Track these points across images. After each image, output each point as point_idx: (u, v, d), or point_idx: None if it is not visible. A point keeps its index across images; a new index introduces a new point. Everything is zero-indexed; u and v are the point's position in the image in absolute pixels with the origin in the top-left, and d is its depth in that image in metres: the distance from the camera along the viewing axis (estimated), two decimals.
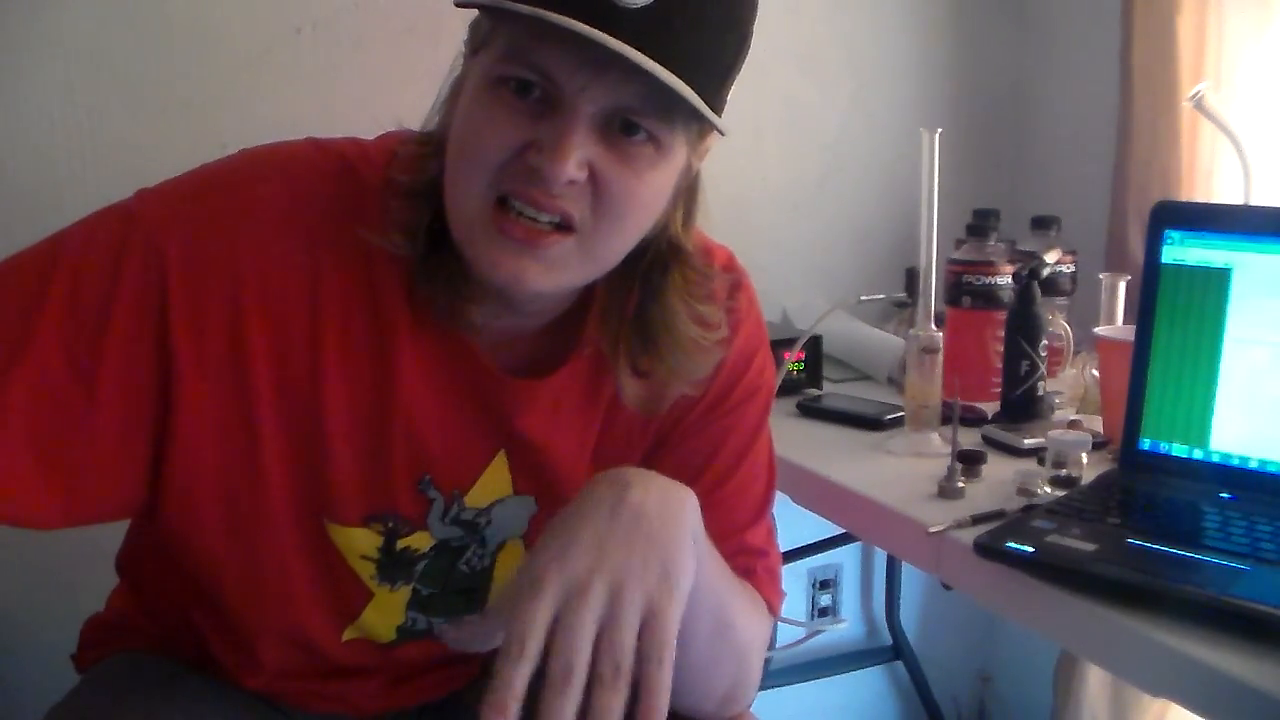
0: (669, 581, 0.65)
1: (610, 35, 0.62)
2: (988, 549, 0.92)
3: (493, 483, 0.82)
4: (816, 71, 1.77)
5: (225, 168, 0.76)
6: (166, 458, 0.72)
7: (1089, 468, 1.10)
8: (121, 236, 0.70)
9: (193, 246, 0.70)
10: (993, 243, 1.43)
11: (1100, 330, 1.27)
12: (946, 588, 1.09)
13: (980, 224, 1.44)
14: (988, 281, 1.39)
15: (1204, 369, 1.06)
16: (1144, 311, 1.10)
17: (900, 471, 1.17)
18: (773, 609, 0.89)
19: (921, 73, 1.84)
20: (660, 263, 0.78)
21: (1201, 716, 0.81)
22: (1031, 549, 0.90)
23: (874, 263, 1.80)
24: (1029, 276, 1.30)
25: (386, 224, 0.73)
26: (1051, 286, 1.47)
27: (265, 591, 0.80)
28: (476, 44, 0.71)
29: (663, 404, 0.82)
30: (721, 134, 0.72)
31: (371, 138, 0.79)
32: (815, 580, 1.92)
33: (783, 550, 0.93)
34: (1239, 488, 1.03)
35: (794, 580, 1.65)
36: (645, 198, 0.71)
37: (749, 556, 0.87)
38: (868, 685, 1.99)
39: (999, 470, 1.13)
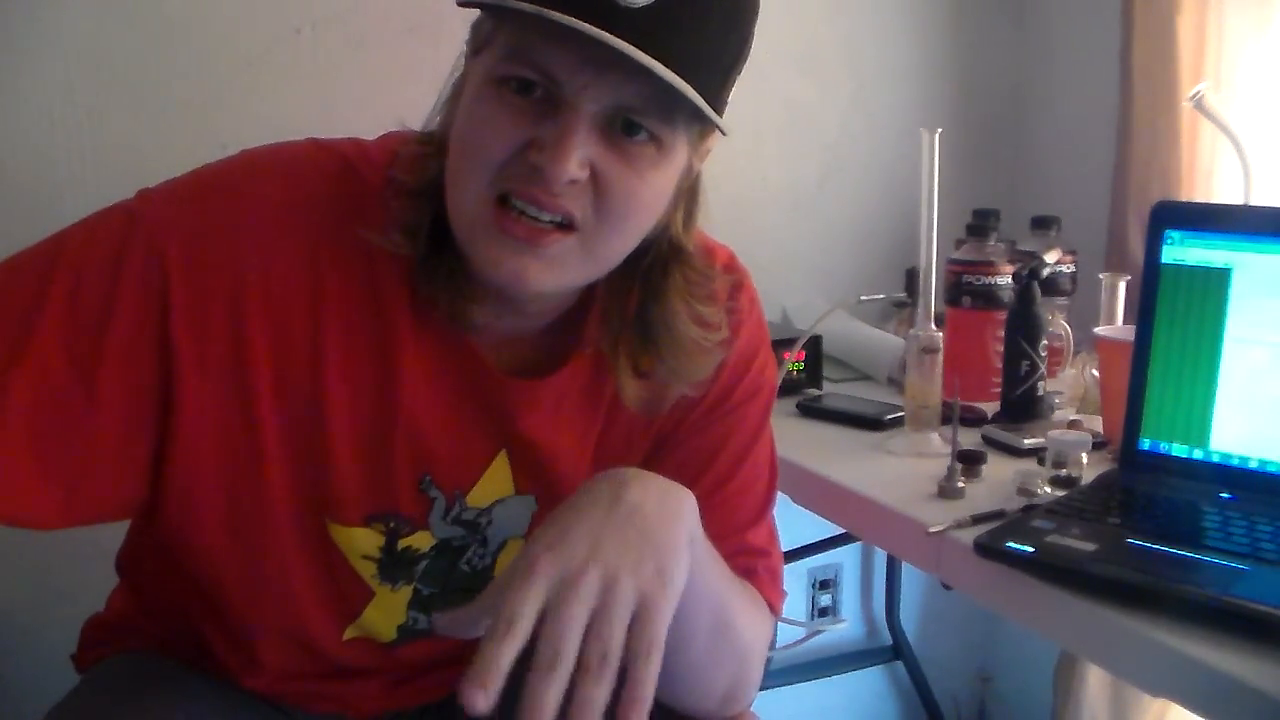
0: (662, 578, 0.65)
1: (612, 34, 0.62)
2: (988, 549, 0.92)
3: (494, 482, 0.82)
4: (817, 72, 1.77)
5: (226, 168, 0.76)
6: (167, 457, 0.72)
7: (1089, 468, 1.10)
8: (122, 236, 0.70)
9: (194, 246, 0.70)
10: (993, 243, 1.43)
11: (1100, 330, 1.27)
12: (946, 588, 1.09)
13: (980, 224, 1.44)
14: (988, 281, 1.39)
15: (1204, 369, 1.06)
16: (1144, 311, 1.10)
17: (900, 471, 1.17)
18: (774, 609, 0.89)
19: (921, 73, 1.84)
20: (661, 263, 0.78)
21: (1201, 716, 0.81)
22: (1031, 549, 0.90)
23: (874, 263, 1.80)
24: (1029, 276, 1.30)
25: (388, 224, 0.73)
26: (1051, 286, 1.47)
27: (266, 591, 0.80)
28: (478, 44, 0.71)
29: (663, 404, 0.82)
30: (723, 133, 0.72)
31: (372, 138, 0.79)
32: (815, 580, 1.91)
33: (783, 550, 0.93)
34: (1239, 488, 1.03)
35: (794, 580, 1.65)
36: (646, 197, 0.71)
37: (750, 556, 0.87)
38: (868, 685, 1.99)
39: (999, 470, 1.13)
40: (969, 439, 1.21)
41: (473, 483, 0.81)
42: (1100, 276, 1.43)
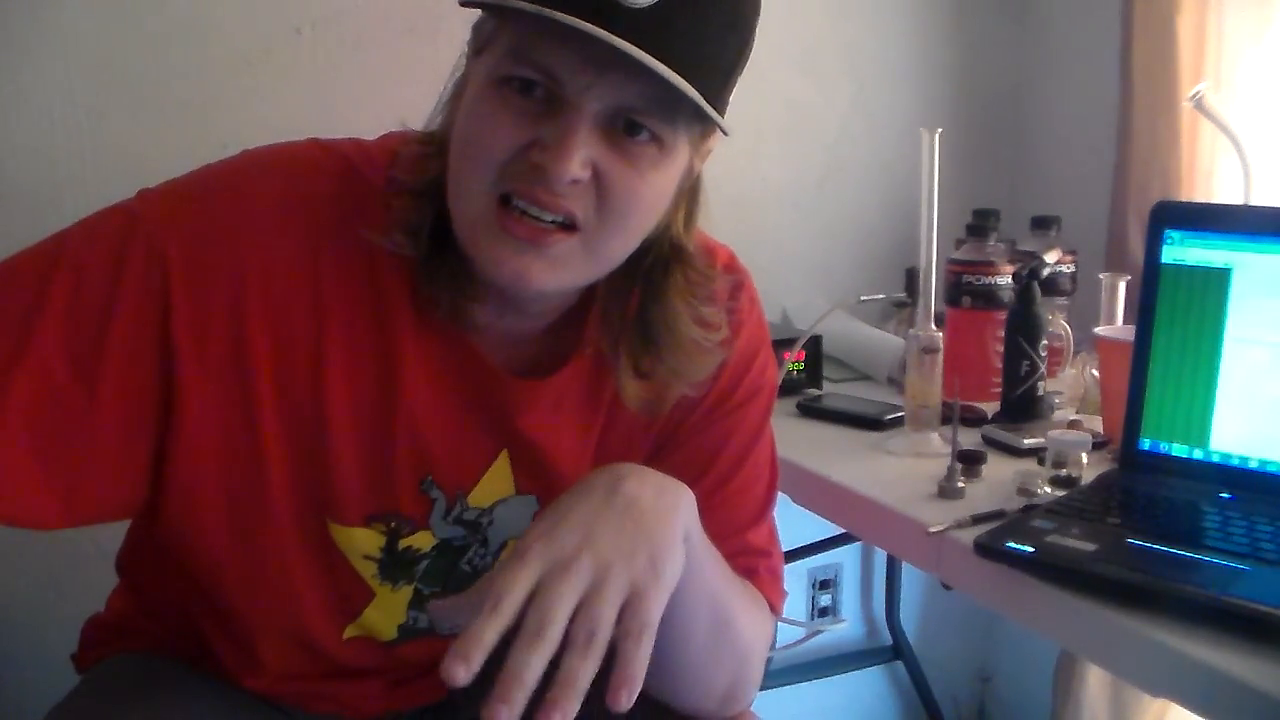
0: (655, 569, 0.65)
1: (615, 34, 0.62)
2: (988, 549, 0.92)
3: (495, 483, 0.82)
4: (817, 72, 1.77)
5: (227, 168, 0.76)
6: (168, 457, 0.72)
7: (1089, 468, 1.10)
8: (123, 237, 0.70)
9: (195, 247, 0.70)
10: (993, 243, 1.43)
11: (1100, 330, 1.27)
12: (946, 588, 1.09)
13: (980, 224, 1.44)
14: (988, 281, 1.39)
15: (1204, 369, 1.06)
16: (1144, 311, 1.10)
17: (900, 471, 1.18)
18: (775, 609, 0.89)
19: (922, 73, 1.84)
20: (662, 263, 0.78)
21: (1201, 716, 0.82)
22: (1031, 549, 0.90)
23: (874, 263, 1.80)
24: (1029, 276, 1.30)
25: (389, 224, 0.73)
26: (1051, 286, 1.47)
27: (266, 591, 0.80)
28: (480, 44, 0.71)
29: (664, 405, 0.82)
30: (725, 133, 0.72)
31: (373, 138, 0.79)
32: (815, 580, 1.91)
33: (783, 550, 0.93)
34: (1239, 488, 1.03)
35: (794, 580, 1.65)
36: (648, 198, 0.71)
37: (751, 556, 0.87)
38: (868, 685, 1.99)
39: (999, 470, 1.13)
40: (969, 439, 1.21)
41: (474, 483, 0.81)
42: (1100, 276, 1.43)
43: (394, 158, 0.75)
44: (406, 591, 0.84)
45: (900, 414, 1.30)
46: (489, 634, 0.59)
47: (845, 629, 1.94)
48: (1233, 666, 0.74)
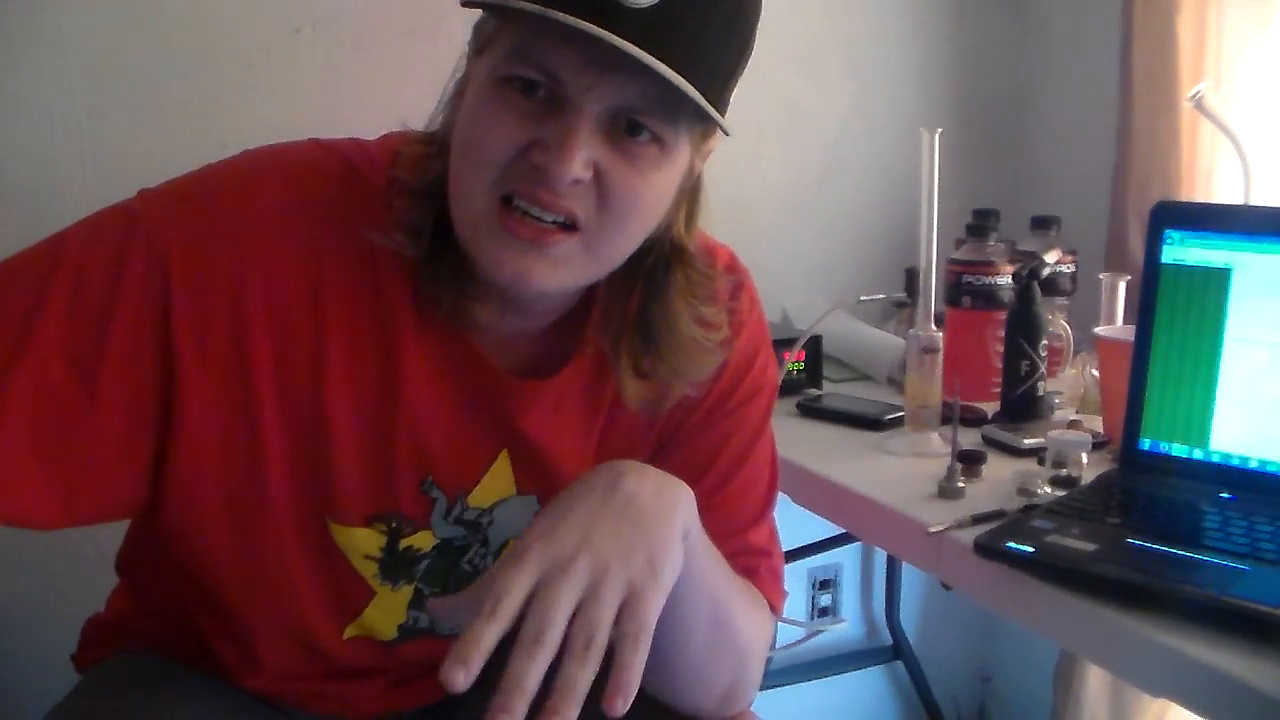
0: (653, 569, 0.65)
1: (616, 35, 0.62)
2: (988, 549, 0.92)
3: (495, 483, 0.82)
4: (817, 72, 1.77)
5: (228, 168, 0.76)
6: (168, 457, 0.72)
7: (1089, 468, 1.10)
8: (124, 237, 0.70)
9: (195, 247, 0.70)
10: (993, 243, 1.43)
11: (1100, 330, 1.27)
12: (946, 588, 1.09)
13: (980, 224, 1.44)
14: (988, 281, 1.39)
15: (1204, 369, 1.06)
16: (1144, 311, 1.10)
17: (900, 471, 1.18)
18: (775, 609, 0.89)
19: (922, 73, 1.84)
20: (663, 263, 0.78)
21: (1201, 716, 0.82)
22: (1031, 549, 0.90)
23: (874, 263, 1.80)
24: (1029, 276, 1.30)
25: (390, 224, 0.73)
26: (1051, 286, 1.47)
27: (267, 591, 0.80)
28: (481, 44, 0.71)
29: (665, 405, 0.82)
30: (726, 134, 0.72)
31: (373, 138, 0.79)
32: (815, 580, 1.91)
33: (783, 550, 0.93)
34: (1239, 488, 1.03)
35: (794, 580, 1.64)
36: (649, 198, 0.71)
37: (751, 556, 0.87)
38: (868, 685, 1.99)
39: (999, 470, 1.13)
40: (969, 439, 1.21)
41: (474, 483, 0.81)
42: (1100, 276, 1.43)
43: (395, 158, 0.75)
44: (407, 591, 0.84)
45: (900, 414, 1.30)
46: (487, 638, 0.59)
47: (845, 629, 1.94)
48: (1233, 666, 0.74)
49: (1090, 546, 0.89)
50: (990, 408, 1.33)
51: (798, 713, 1.88)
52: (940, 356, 1.22)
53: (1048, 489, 1.06)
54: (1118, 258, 1.60)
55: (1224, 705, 0.75)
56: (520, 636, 0.60)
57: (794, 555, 1.66)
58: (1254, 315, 1.05)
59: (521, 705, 0.58)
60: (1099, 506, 0.99)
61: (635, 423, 0.83)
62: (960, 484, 1.08)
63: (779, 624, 0.93)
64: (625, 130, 0.68)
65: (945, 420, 1.20)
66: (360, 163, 0.76)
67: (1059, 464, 1.10)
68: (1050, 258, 1.42)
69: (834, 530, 1.55)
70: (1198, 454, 1.07)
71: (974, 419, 1.29)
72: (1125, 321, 1.38)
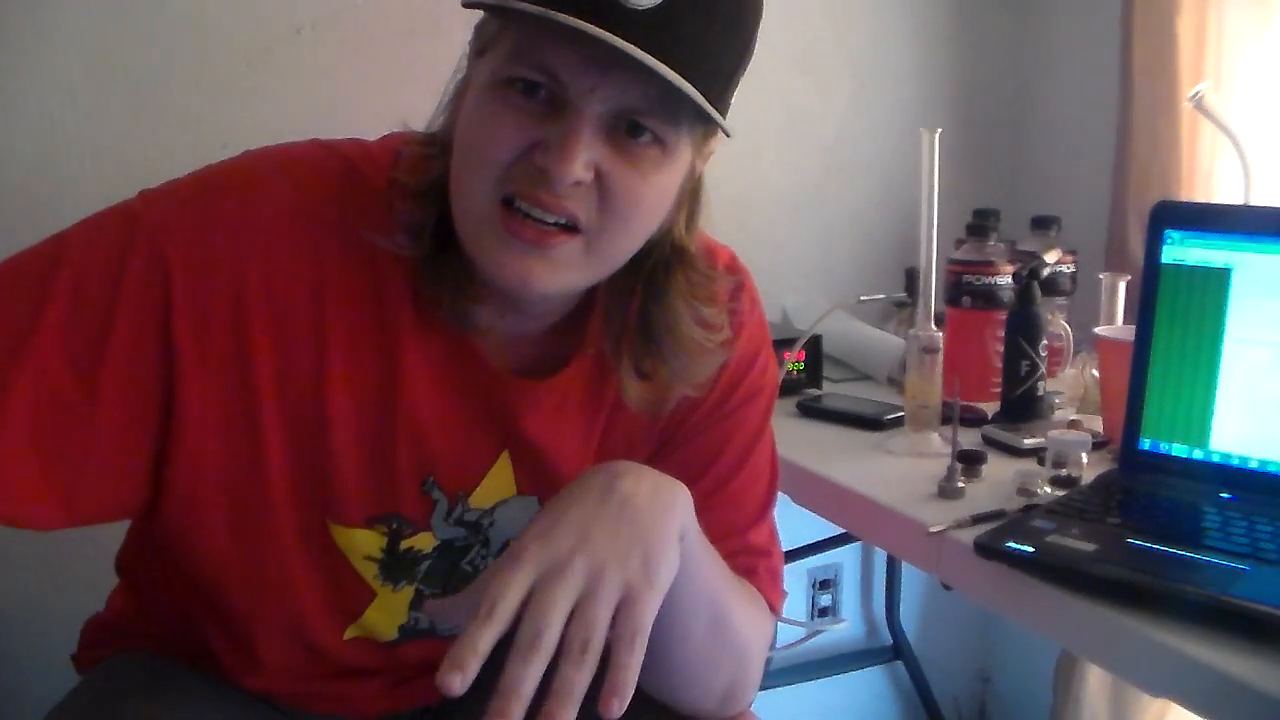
0: (649, 570, 0.65)
1: (618, 36, 0.62)
2: (988, 549, 0.92)
3: (496, 484, 0.82)
4: (817, 73, 1.77)
5: (229, 169, 0.76)
6: (169, 458, 0.72)
7: (1089, 468, 1.10)
8: (125, 237, 0.70)
9: (196, 247, 0.70)
10: (993, 243, 1.43)
11: (1100, 330, 1.27)
12: (946, 588, 1.09)
13: (980, 224, 1.44)
14: (988, 281, 1.39)
15: (1204, 369, 1.06)
16: (1144, 311, 1.10)
17: (900, 471, 1.18)
18: (774, 609, 0.89)
19: (922, 73, 1.85)
20: (664, 264, 0.78)
21: (1201, 716, 0.82)
22: (1031, 549, 0.90)
23: (874, 263, 1.80)
24: (1029, 276, 1.30)
25: (391, 225, 0.73)
26: (1051, 286, 1.47)
27: (267, 591, 0.80)
28: (482, 45, 0.71)
29: (665, 405, 0.82)
30: (727, 135, 0.72)
31: (374, 138, 0.79)
32: (815, 580, 1.92)
33: (783, 550, 0.93)
34: (1239, 488, 1.03)
35: (794, 580, 1.65)
36: (650, 199, 0.71)
37: (751, 556, 0.87)
38: (868, 685, 1.99)
39: (999, 470, 1.13)
40: (969, 439, 1.21)
41: (475, 484, 0.81)
42: (1100, 276, 1.43)
43: (396, 158, 0.75)
44: (408, 592, 0.84)
45: (900, 414, 1.30)
46: (483, 642, 0.59)
47: (845, 629, 1.94)
48: (1233, 666, 0.74)
49: (1090, 546, 0.89)
50: (990, 408, 1.33)
51: (798, 713, 1.88)
52: (940, 356, 1.22)
53: (1048, 489, 1.06)
54: (1118, 258, 1.60)
55: (1224, 705, 0.75)
56: (516, 640, 0.60)
57: (794, 555, 1.66)
58: (1254, 315, 1.05)
59: (518, 710, 0.58)
60: (1099, 506, 0.99)
61: (636, 423, 0.83)
62: (960, 484, 1.08)
63: (779, 624, 0.93)
64: (626, 132, 0.68)
65: (945, 420, 1.20)
66: (361, 163, 0.75)
67: (1059, 464, 1.10)
68: (1050, 258, 1.43)
69: (834, 530, 1.55)
70: (1198, 454, 1.07)
71: (974, 419, 1.29)
72: (1125, 321, 1.38)
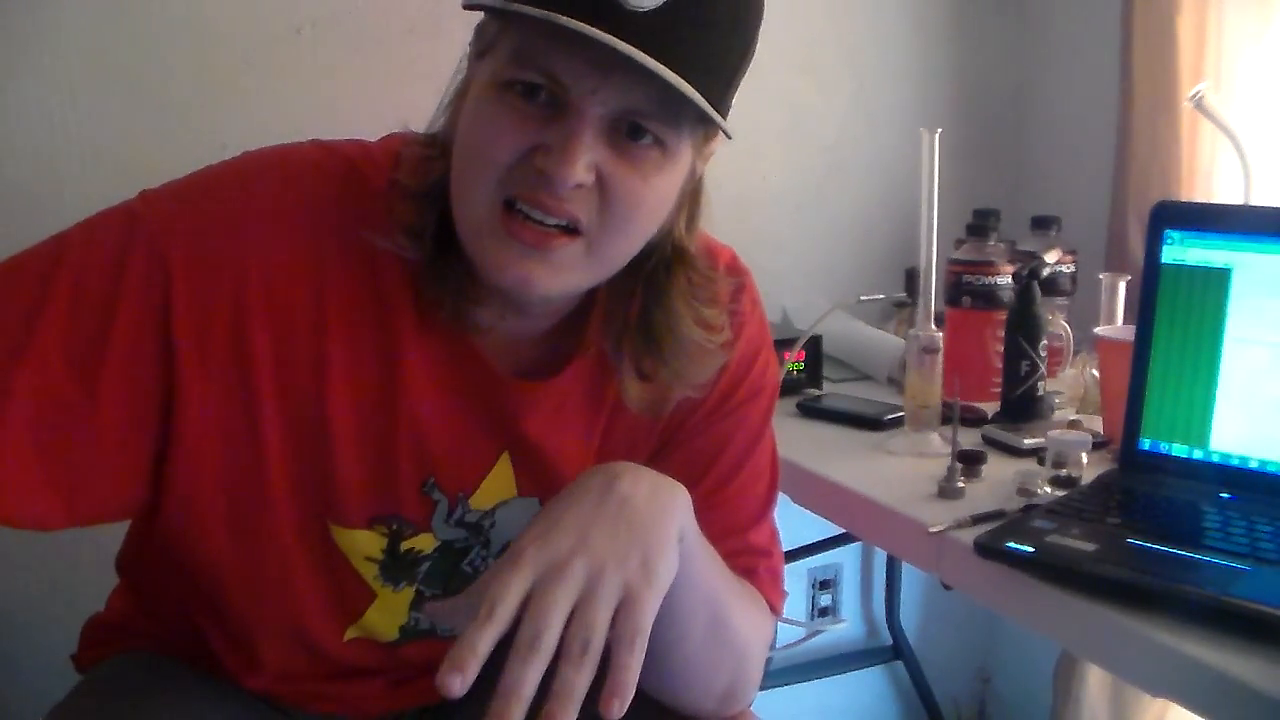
0: (648, 571, 0.65)
1: (619, 38, 0.62)
2: (988, 549, 0.92)
3: (497, 485, 0.82)
4: (817, 73, 1.77)
5: (229, 169, 0.76)
6: (169, 458, 0.72)
7: (1089, 468, 1.10)
8: (125, 237, 0.70)
9: (196, 248, 0.70)
10: (993, 243, 1.43)
11: (1100, 330, 1.27)
12: (946, 588, 1.09)
13: (980, 224, 1.44)
14: (988, 281, 1.39)
15: (1204, 369, 1.06)
16: (1144, 311, 1.10)
17: (900, 471, 1.18)
18: (774, 609, 0.89)
19: (922, 74, 1.85)
20: (664, 266, 0.78)
21: (1201, 716, 0.82)
22: (1031, 549, 0.90)
23: (874, 263, 1.80)
24: (1029, 276, 1.30)
25: (392, 226, 0.73)
26: (1051, 286, 1.48)
27: (267, 592, 0.80)
28: (483, 47, 0.71)
29: (666, 406, 0.82)
30: (728, 136, 0.72)
31: (374, 139, 0.79)
32: (815, 580, 1.92)
33: (783, 550, 0.93)
34: (1239, 488, 1.03)
35: (794, 580, 1.65)
36: (651, 201, 0.71)
37: (751, 556, 0.87)
38: (868, 685, 1.99)
39: (999, 470, 1.13)
40: (969, 439, 1.21)
41: (476, 485, 0.81)
42: (1100, 276, 1.43)
43: (396, 160, 0.75)
44: (408, 593, 0.84)
45: (900, 414, 1.30)
46: (483, 643, 0.59)
47: (845, 629, 1.94)
48: (1233, 666, 0.74)
49: (1090, 546, 0.89)
50: (990, 408, 1.33)
51: (798, 713, 1.88)
52: (940, 356, 1.22)
53: (1048, 489, 1.06)
54: (1118, 258, 1.60)
55: (1224, 705, 0.75)
56: (516, 642, 0.60)
57: (794, 555, 1.66)
58: (1254, 315, 1.05)
59: (519, 711, 0.58)
60: (1099, 506, 0.99)
61: (636, 424, 0.83)
62: (960, 484, 1.08)
63: (779, 624, 0.93)
64: (627, 134, 0.68)
65: (945, 420, 1.20)
66: (362, 164, 0.75)
67: (1059, 464, 1.10)
68: (1050, 258, 1.43)
69: (834, 530, 1.55)
70: (1198, 454, 1.07)
71: (974, 419, 1.29)
72: (1125, 321, 1.38)
